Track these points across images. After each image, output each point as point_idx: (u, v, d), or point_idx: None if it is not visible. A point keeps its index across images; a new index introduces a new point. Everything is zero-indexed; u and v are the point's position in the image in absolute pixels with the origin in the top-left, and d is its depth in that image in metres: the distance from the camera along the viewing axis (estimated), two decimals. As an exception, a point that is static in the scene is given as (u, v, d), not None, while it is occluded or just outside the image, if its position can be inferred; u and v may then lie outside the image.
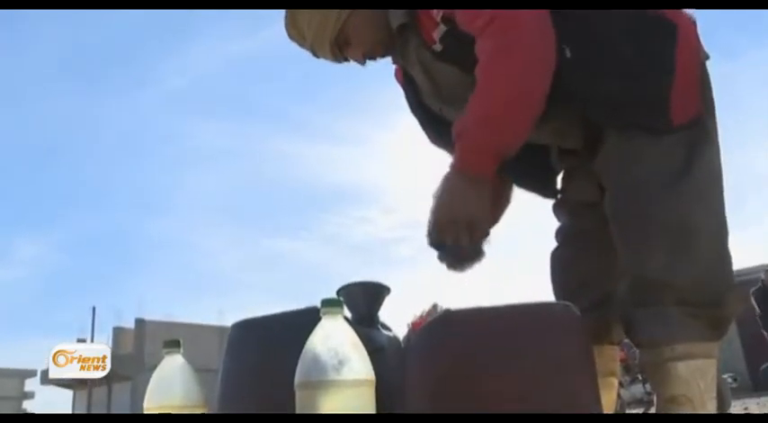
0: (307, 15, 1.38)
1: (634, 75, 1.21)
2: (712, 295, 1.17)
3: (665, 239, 1.18)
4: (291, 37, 1.44)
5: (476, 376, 0.99)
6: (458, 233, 1.20)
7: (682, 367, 1.15)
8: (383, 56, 1.44)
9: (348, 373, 0.85)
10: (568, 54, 1.18)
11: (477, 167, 1.19)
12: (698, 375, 1.15)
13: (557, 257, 1.51)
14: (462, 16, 1.23)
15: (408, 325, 1.84)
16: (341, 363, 0.86)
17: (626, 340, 1.40)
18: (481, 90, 1.17)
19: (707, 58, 1.32)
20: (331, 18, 1.36)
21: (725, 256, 1.22)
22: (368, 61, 1.44)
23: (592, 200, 1.38)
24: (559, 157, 1.47)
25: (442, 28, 1.27)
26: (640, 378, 6.73)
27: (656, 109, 1.20)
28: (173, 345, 1.09)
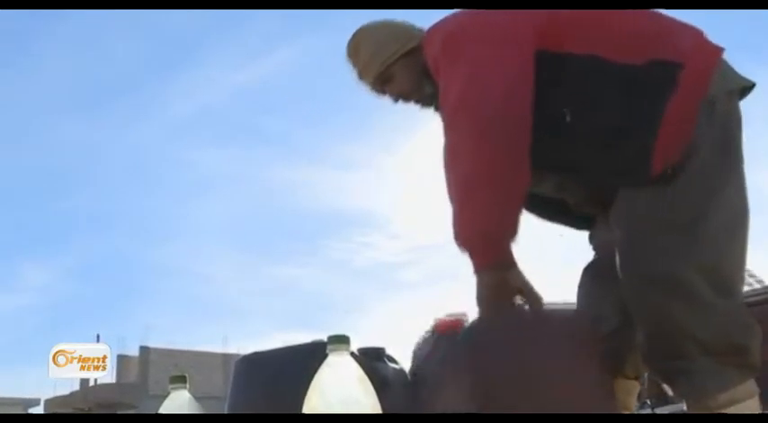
0: (370, 42, 1.45)
1: (621, 138, 1.18)
2: (736, 345, 1.15)
3: (665, 294, 1.16)
4: (348, 55, 1.51)
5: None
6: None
7: (731, 413, 1.14)
8: (416, 104, 1.49)
9: (355, 410, 0.85)
10: (568, 118, 1.18)
11: (494, 259, 1.15)
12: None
13: (580, 286, 1.50)
14: (440, 94, 1.26)
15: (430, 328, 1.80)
16: (347, 399, 0.86)
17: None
18: (450, 194, 1.18)
19: (736, 87, 1.25)
20: (385, 54, 1.42)
21: (738, 307, 1.19)
22: (401, 102, 1.49)
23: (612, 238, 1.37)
24: (575, 205, 1.46)
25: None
26: (649, 403, 6.66)
27: (639, 165, 1.17)
28: (179, 380, 1.08)
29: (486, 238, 1.15)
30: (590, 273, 1.49)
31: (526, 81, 1.16)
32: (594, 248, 1.51)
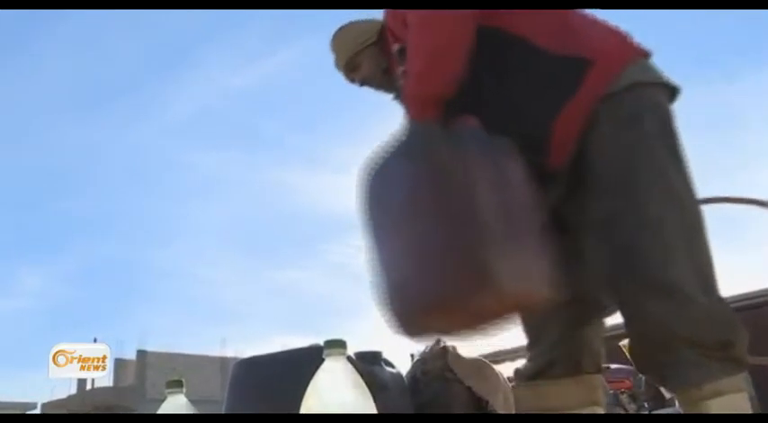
0: (344, 36, 1.69)
1: (520, 120, 1.30)
2: (719, 340, 1.17)
3: (648, 294, 1.19)
4: (331, 47, 1.73)
5: None
6: None
7: (714, 406, 1.16)
8: (377, 89, 1.71)
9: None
10: (486, 80, 1.34)
11: (422, 114, 1.33)
12: (731, 411, 1.15)
13: None
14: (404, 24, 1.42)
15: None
16: (344, 404, 0.86)
17: (632, 367, 1.40)
18: (409, 54, 1.36)
19: (663, 83, 1.33)
20: (353, 44, 1.67)
21: (720, 303, 1.21)
22: (365, 87, 1.72)
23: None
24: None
25: (396, 47, 1.51)
26: (646, 405, 6.66)
27: (536, 149, 1.28)
28: (176, 385, 1.08)
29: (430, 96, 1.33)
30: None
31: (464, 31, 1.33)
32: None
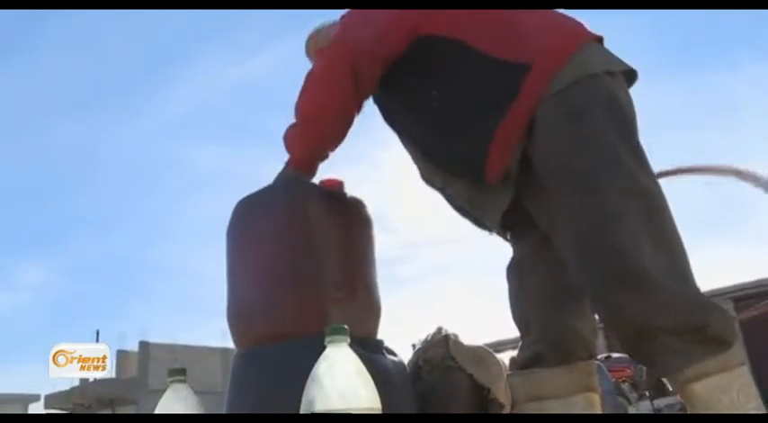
0: (321, 39, 1.70)
1: (460, 130, 1.34)
2: (695, 324, 1.16)
3: (621, 286, 1.19)
4: (307, 51, 1.77)
5: None
6: None
7: (699, 388, 1.15)
8: None
9: (354, 403, 0.85)
10: (435, 105, 1.36)
11: (303, 169, 1.46)
12: (718, 392, 1.14)
13: (510, 285, 1.55)
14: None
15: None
16: (346, 392, 0.85)
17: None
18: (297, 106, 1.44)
19: (624, 70, 1.32)
20: (320, 44, 1.68)
21: (693, 289, 1.20)
22: None
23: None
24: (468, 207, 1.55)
25: None
26: (648, 394, 6.67)
27: (474, 163, 1.32)
28: (178, 373, 1.08)
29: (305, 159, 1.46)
30: (516, 270, 1.53)
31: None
32: (515, 245, 1.55)
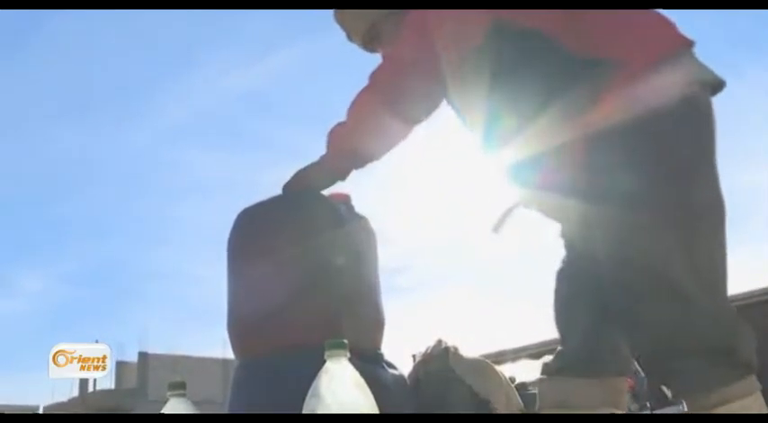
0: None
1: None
2: (723, 347, 1.15)
3: (653, 297, 1.17)
4: (340, 19, 1.66)
5: None
6: None
7: (722, 412, 1.12)
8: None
9: (353, 416, 0.85)
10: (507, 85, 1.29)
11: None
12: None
13: (555, 290, 1.51)
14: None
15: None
16: (346, 405, 0.86)
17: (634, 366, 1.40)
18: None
19: (710, 82, 1.24)
20: (372, 13, 1.58)
21: (724, 307, 1.19)
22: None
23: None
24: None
25: None
26: (649, 405, 6.64)
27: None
28: (178, 387, 1.08)
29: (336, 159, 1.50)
30: (563, 274, 1.50)
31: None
32: (566, 248, 1.51)
